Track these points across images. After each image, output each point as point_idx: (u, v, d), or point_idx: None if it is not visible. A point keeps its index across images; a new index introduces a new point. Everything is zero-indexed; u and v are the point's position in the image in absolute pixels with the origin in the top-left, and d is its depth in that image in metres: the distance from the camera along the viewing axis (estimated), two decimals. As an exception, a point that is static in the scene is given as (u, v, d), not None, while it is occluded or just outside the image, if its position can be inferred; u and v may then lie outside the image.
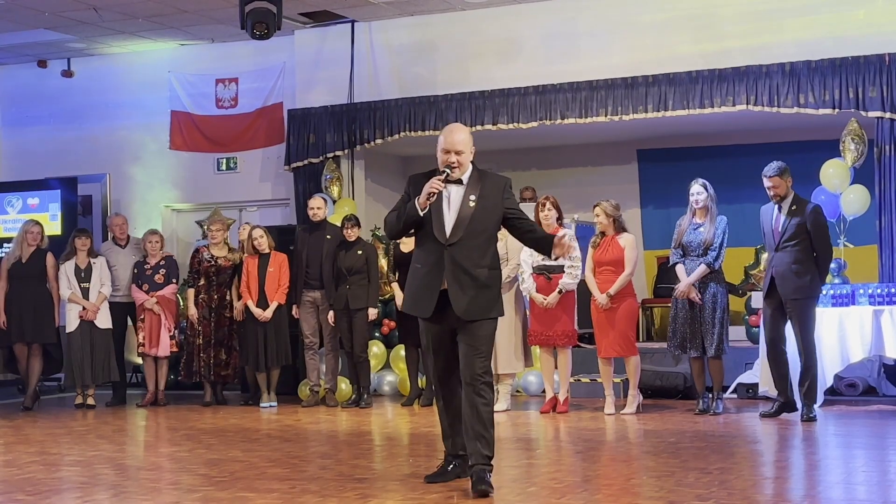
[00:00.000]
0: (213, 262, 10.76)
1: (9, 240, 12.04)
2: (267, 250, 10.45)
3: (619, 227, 9.19)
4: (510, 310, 9.29)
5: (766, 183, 8.55)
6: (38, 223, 11.06)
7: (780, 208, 8.53)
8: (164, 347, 10.73)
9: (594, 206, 9.24)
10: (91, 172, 13.41)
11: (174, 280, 10.89)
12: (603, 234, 9.18)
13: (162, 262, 10.88)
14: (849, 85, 10.27)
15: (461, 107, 11.77)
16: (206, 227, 11.39)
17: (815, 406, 8.51)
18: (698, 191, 8.86)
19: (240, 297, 10.54)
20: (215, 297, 10.73)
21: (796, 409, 8.50)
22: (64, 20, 12.11)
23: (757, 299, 10.02)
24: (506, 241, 9.27)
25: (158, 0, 11.43)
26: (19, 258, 10.82)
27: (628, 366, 9.13)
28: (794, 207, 8.48)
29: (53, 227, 12.54)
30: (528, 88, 11.53)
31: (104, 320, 10.75)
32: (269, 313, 10.31)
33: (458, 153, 5.75)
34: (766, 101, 10.61)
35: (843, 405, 9.31)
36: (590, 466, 6.70)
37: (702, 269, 8.76)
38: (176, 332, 10.86)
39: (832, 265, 9.96)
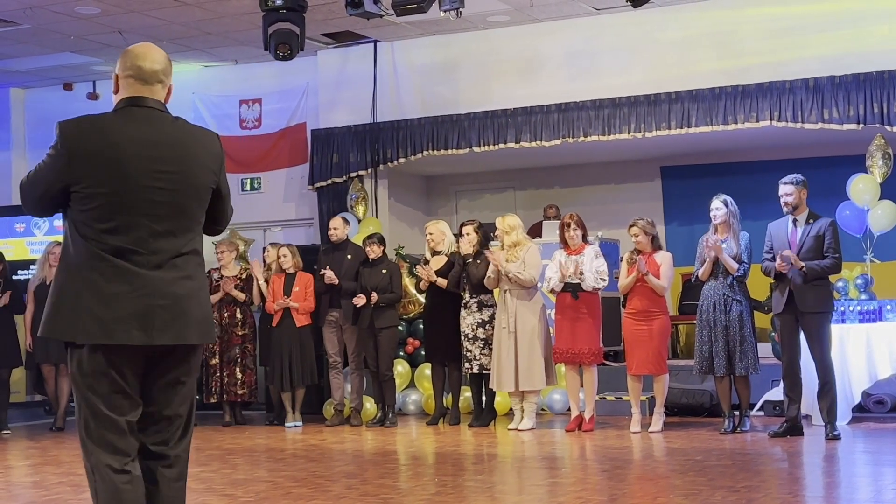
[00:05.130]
0: (221, 282, 10.78)
1: (36, 261, 12.10)
2: (292, 269, 10.46)
3: (656, 245, 9.13)
4: (533, 325, 9.27)
5: (782, 190, 8.41)
6: (60, 244, 11.08)
7: (795, 221, 8.45)
8: None
9: (629, 227, 9.07)
10: (116, 194, 13.47)
11: None
12: (639, 252, 9.07)
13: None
14: (873, 100, 10.23)
15: (484, 125, 11.80)
16: (214, 249, 11.45)
17: (839, 423, 8.40)
18: (717, 206, 8.74)
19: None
20: (225, 314, 10.74)
21: (802, 434, 8.35)
22: (89, 43, 12.21)
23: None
24: (527, 248, 9.29)
25: (182, 23, 11.52)
26: (43, 280, 10.87)
27: (657, 384, 9.05)
28: (810, 221, 8.41)
29: (80, 248, 12.58)
30: (551, 106, 11.54)
31: None
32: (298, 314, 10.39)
33: None
34: (789, 116, 10.57)
35: (871, 422, 9.23)
36: (616, 485, 6.66)
37: (734, 264, 8.58)
38: None
39: (858, 280, 9.91)
